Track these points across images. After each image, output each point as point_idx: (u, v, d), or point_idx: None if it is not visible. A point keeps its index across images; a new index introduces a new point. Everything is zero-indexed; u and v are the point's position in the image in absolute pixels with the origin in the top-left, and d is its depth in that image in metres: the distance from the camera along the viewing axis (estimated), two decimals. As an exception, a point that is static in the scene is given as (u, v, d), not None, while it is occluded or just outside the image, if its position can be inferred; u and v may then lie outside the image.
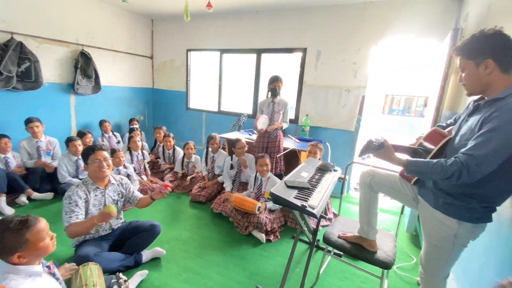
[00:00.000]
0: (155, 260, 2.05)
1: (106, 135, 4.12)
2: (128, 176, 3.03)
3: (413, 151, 1.35)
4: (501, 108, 0.97)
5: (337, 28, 3.44)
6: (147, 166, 3.61)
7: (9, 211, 2.58)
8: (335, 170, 2.01)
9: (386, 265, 1.44)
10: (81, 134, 3.54)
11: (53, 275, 1.23)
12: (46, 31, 3.45)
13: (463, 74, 1.13)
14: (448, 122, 1.45)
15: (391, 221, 2.97)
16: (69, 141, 3.06)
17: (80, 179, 2.98)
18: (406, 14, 3.06)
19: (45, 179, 3.07)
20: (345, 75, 3.48)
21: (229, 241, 2.39)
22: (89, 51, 3.91)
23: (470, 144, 1.01)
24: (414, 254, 2.33)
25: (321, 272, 1.92)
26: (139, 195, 2.14)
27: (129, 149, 3.50)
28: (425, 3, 2.95)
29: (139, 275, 1.82)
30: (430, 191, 1.25)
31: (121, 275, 1.51)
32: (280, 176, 2.91)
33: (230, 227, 2.61)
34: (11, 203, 2.71)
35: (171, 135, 3.89)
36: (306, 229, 2.00)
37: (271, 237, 2.44)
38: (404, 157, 1.23)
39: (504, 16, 1.56)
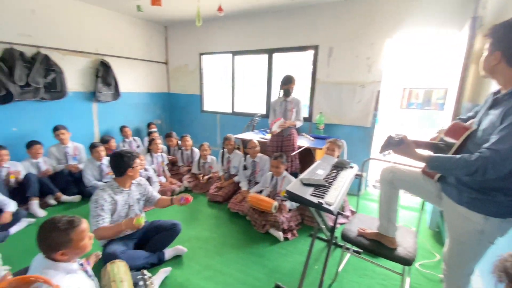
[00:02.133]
0: (177, 258, 2.13)
1: (127, 140, 4.30)
2: (148, 178, 3.16)
3: (435, 146, 1.32)
4: None
5: (349, 23, 3.40)
6: (166, 168, 3.73)
7: (42, 213, 2.76)
8: (351, 167, 2.00)
9: (406, 261, 1.42)
10: (104, 140, 3.73)
11: (86, 272, 1.33)
12: (68, 44, 3.66)
13: (484, 53, 1.13)
14: (469, 114, 1.40)
15: (412, 217, 2.90)
16: (92, 147, 3.23)
17: (105, 183, 3.14)
18: (420, 5, 2.97)
19: (72, 183, 3.26)
20: (358, 71, 3.43)
21: (247, 239, 2.43)
22: (108, 60, 4.10)
23: (493, 138, 0.98)
24: (437, 251, 2.27)
25: (340, 269, 1.92)
26: (157, 195, 2.25)
27: (149, 151, 3.64)
28: (441, -8, 2.85)
29: (163, 272, 1.90)
30: (453, 186, 1.22)
31: (145, 271, 1.59)
32: (295, 175, 2.92)
33: (248, 225, 2.66)
34: (42, 206, 2.90)
35: (188, 135, 3.99)
36: (324, 226, 2.00)
37: (289, 235, 2.46)
38: (426, 152, 1.21)
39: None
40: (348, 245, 1.87)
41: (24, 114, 3.33)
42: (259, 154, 3.18)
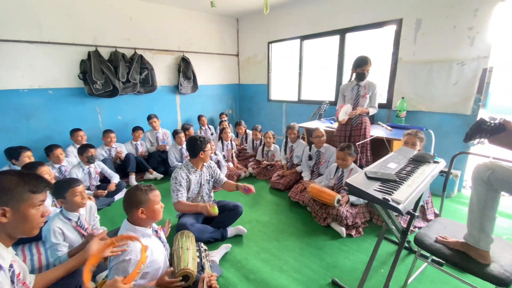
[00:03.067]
0: (237, 237, 2.27)
1: (203, 128, 4.78)
2: (218, 162, 3.44)
3: None
4: None
5: (445, -14, 2.76)
6: (234, 154, 3.99)
7: (138, 186, 3.39)
8: (435, 162, 1.66)
9: (502, 282, 1.10)
10: (185, 128, 4.25)
11: (159, 238, 1.56)
12: (157, 44, 4.26)
13: None
14: None
15: (528, 232, 2.23)
16: (175, 133, 3.72)
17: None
18: None
19: (160, 163, 3.86)
20: (456, 45, 2.77)
21: (306, 230, 2.37)
22: (188, 56, 4.59)
23: None
24: None
25: (412, 279, 1.66)
26: (224, 178, 2.46)
27: (220, 139, 3.96)
28: None
29: (224, 247, 2.06)
30: None
31: (202, 244, 1.77)
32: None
33: (308, 216, 2.59)
34: (138, 179, 3.55)
35: (259, 127, 4.10)
36: (394, 227, 1.76)
37: (353, 232, 2.27)
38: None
39: None
40: (423, 252, 1.59)
41: (126, 105, 4.11)
42: (325, 144, 3.00)
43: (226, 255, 2.04)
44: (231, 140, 4.00)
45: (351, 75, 2.76)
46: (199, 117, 4.79)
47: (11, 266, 0.93)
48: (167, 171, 3.75)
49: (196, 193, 2.31)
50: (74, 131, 3.31)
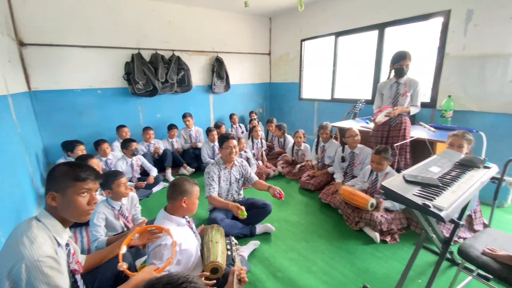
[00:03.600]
0: (266, 234, 2.30)
1: (234, 126, 4.89)
2: (247, 159, 3.49)
3: None
4: None
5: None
6: (263, 152, 4.01)
7: (172, 179, 3.57)
8: (486, 167, 1.51)
9: None
10: (217, 126, 4.39)
11: (192, 229, 1.65)
12: (193, 45, 4.45)
13: None
14: None
15: None
16: (208, 131, 3.86)
17: (214, 160, 3.74)
18: None
19: (194, 159, 4.04)
20: (515, 37, 2.46)
21: (336, 232, 2.31)
22: (222, 56, 4.72)
23: None
24: None
25: (454, 292, 1.52)
26: (255, 177, 2.48)
27: (250, 137, 4.02)
28: None
29: (253, 244, 2.10)
30: None
31: (233, 238, 1.82)
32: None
33: (339, 219, 2.51)
34: (173, 174, 3.75)
35: (274, 120, 4.11)
36: (435, 236, 1.63)
37: (387, 238, 2.15)
38: None
39: None
40: (468, 264, 1.45)
41: (164, 104, 4.37)
42: (360, 145, 2.87)
43: (254, 251, 2.08)
44: (261, 139, 4.03)
45: (389, 72, 2.61)
46: (231, 116, 4.90)
47: (67, 245, 1.07)
48: (199, 166, 3.91)
49: (226, 191, 2.37)
50: (119, 127, 3.62)
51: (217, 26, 4.68)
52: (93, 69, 3.71)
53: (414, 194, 1.29)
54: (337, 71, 4.25)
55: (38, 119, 3.48)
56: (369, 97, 3.75)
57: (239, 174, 2.42)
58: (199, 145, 4.10)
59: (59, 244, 1.00)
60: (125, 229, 1.95)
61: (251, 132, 4.02)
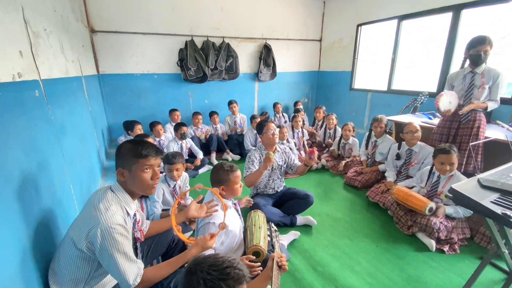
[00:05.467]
0: (306, 226, 2.24)
1: (278, 115, 4.83)
2: (290, 149, 3.42)
3: None
4: None
5: None
6: (305, 143, 3.89)
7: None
8: None
9: None
10: (261, 114, 4.40)
11: (237, 211, 1.69)
12: (243, 32, 4.45)
13: None
14: None
15: None
16: (252, 118, 3.89)
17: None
18: None
19: (237, 145, 4.12)
20: None
21: (385, 234, 2.14)
22: (270, 43, 4.64)
23: None
24: None
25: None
26: (298, 163, 2.42)
27: (292, 127, 3.92)
28: None
29: (293, 234, 2.07)
30: None
31: (273, 225, 1.81)
32: (471, 176, 2.13)
33: (388, 220, 2.32)
34: (217, 158, 3.89)
35: (334, 114, 3.91)
36: (507, 252, 1.41)
37: (445, 248, 1.92)
38: None
39: None
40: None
41: (212, 91, 4.51)
42: (420, 143, 2.56)
43: (294, 242, 2.05)
44: (302, 128, 3.90)
45: (464, 61, 2.25)
46: (275, 104, 4.84)
47: (134, 214, 1.18)
48: (242, 153, 3.98)
49: (268, 177, 2.35)
50: (172, 111, 3.87)
51: (268, 11, 4.59)
52: (152, 54, 3.99)
53: (492, 202, 1.12)
54: (398, 59, 3.84)
55: (105, 99, 3.91)
56: (434, 90, 3.33)
57: (282, 160, 2.37)
58: (239, 130, 4.15)
59: (128, 214, 1.11)
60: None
61: (292, 121, 3.91)
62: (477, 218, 2.11)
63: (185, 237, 1.32)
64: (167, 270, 1.13)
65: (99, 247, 0.96)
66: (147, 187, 1.12)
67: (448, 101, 2.20)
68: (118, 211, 1.04)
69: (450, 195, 1.24)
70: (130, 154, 1.09)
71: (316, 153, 2.06)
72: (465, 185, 1.23)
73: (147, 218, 2.26)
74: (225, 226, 1.43)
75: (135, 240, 1.20)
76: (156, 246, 1.41)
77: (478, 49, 2.08)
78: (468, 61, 2.20)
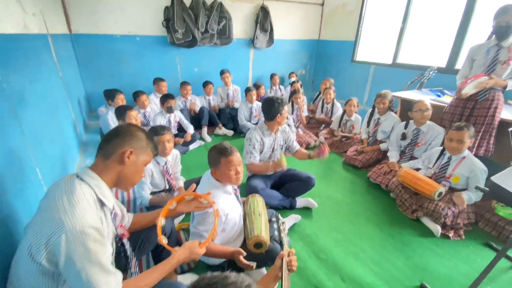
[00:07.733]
0: (306, 209, 2.12)
1: (274, 88, 4.51)
2: (288, 126, 3.20)
3: None
4: None
5: None
6: (304, 120, 3.67)
7: (208, 139, 3.46)
8: None
9: None
10: (256, 86, 4.06)
11: (237, 197, 1.50)
12: (238, -10, 3.92)
13: None
14: None
15: None
16: (247, 91, 3.57)
17: (253, 124, 3.50)
18: None
19: (230, 119, 3.85)
20: None
21: (388, 218, 2.05)
22: (268, 4, 4.16)
23: None
24: None
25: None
26: (297, 146, 2.25)
27: (290, 101, 3.65)
28: None
29: (293, 218, 1.95)
30: None
31: (280, 216, 1.64)
32: (483, 160, 2.00)
33: (390, 203, 2.23)
34: (209, 133, 3.63)
35: (333, 88, 3.66)
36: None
37: (450, 234, 1.86)
38: None
39: None
40: None
41: (202, 58, 4.08)
42: (429, 122, 2.38)
43: (294, 226, 1.93)
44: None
45: (490, 35, 2.01)
46: (272, 76, 4.49)
47: (113, 207, 0.95)
48: (236, 128, 3.73)
49: (268, 157, 2.17)
50: (157, 80, 3.46)
51: (266, -33, 4.04)
52: (132, 13, 3.46)
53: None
54: (407, 29, 3.53)
55: (80, 64, 3.43)
56: (443, 65, 3.11)
57: (283, 140, 2.19)
58: (236, 105, 3.86)
59: (104, 205, 0.88)
60: (167, 186, 1.92)
61: (292, 96, 3.64)
62: (481, 202, 2.05)
63: (173, 250, 1.05)
64: (151, 280, 0.91)
65: (64, 259, 0.72)
66: (136, 181, 1.00)
67: (474, 85, 2.00)
68: (89, 208, 0.79)
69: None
70: (146, 142, 0.98)
71: (328, 151, 1.93)
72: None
73: (134, 203, 2.04)
74: (219, 213, 1.21)
75: (118, 237, 0.98)
76: (144, 242, 1.21)
77: (503, 18, 1.85)
78: (494, 33, 1.96)
